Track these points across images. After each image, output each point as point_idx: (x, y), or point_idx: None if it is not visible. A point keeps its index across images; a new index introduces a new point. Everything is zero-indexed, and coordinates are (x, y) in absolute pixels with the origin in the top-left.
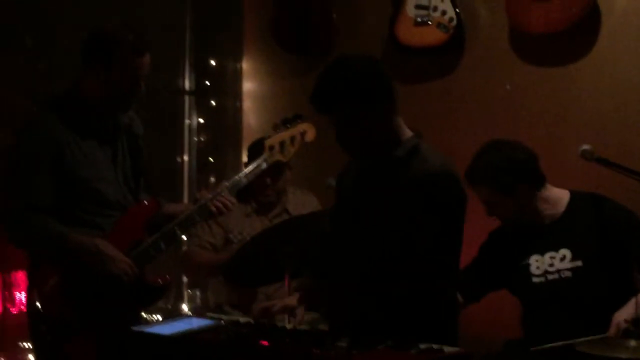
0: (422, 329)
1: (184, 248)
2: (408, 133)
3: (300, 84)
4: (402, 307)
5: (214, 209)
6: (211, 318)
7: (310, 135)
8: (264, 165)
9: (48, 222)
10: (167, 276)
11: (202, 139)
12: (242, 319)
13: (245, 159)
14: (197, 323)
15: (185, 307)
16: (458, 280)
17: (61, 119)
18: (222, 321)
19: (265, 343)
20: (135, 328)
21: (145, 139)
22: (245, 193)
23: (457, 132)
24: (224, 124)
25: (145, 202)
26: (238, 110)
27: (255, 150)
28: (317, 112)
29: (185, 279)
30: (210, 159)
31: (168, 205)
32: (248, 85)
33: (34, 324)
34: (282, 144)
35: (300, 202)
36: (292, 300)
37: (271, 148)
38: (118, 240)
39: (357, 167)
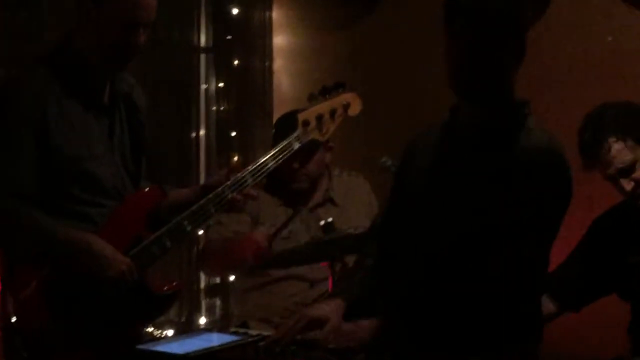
0: (500, 336)
1: (206, 238)
2: (517, 96)
3: (344, 39)
4: (485, 308)
5: (237, 203)
6: (235, 333)
7: (355, 108)
8: (297, 145)
9: (34, 213)
10: (175, 282)
11: (222, 108)
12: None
13: None
14: (217, 339)
15: (202, 320)
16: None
17: (48, 79)
18: (249, 337)
19: None
20: (141, 346)
21: (151, 110)
22: (273, 180)
23: (542, 97)
24: (250, 89)
25: (147, 189)
26: (267, 72)
27: (285, 126)
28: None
29: (202, 284)
30: (233, 134)
31: (175, 192)
32: (279, 40)
33: (7, 338)
34: (319, 118)
35: (349, 188)
36: (322, 310)
37: (306, 123)
38: (113, 236)
39: (441, 138)
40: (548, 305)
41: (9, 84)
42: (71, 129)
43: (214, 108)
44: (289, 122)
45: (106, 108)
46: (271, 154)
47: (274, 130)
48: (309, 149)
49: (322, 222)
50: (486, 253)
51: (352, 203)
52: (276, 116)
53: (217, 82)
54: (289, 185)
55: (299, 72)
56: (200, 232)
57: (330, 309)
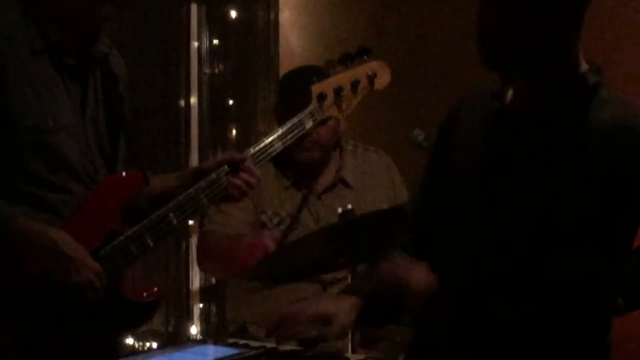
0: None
1: (205, 229)
2: (585, 65)
3: None
4: (552, 313)
5: (232, 189)
6: (234, 345)
7: (383, 79)
8: (310, 124)
9: None
10: (157, 287)
11: (217, 70)
12: (281, 345)
13: None
14: (212, 353)
15: (194, 329)
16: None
17: (9, 27)
18: (251, 349)
19: None
20: None
21: (131, 74)
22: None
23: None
24: (250, 48)
25: (125, 173)
26: (271, 26)
27: (292, 89)
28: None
29: (194, 286)
30: (231, 101)
31: (160, 178)
32: None
33: None
34: (338, 91)
35: (365, 167)
36: (333, 305)
37: (322, 97)
38: (82, 230)
39: (489, 107)
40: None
41: None
42: (33, 91)
43: (207, 70)
44: (297, 85)
45: (79, 70)
46: (278, 133)
47: (279, 94)
48: None
49: (340, 210)
50: (547, 260)
51: (369, 185)
52: None
53: (211, 39)
54: (295, 155)
55: (311, 27)
56: (190, 222)
57: (340, 307)
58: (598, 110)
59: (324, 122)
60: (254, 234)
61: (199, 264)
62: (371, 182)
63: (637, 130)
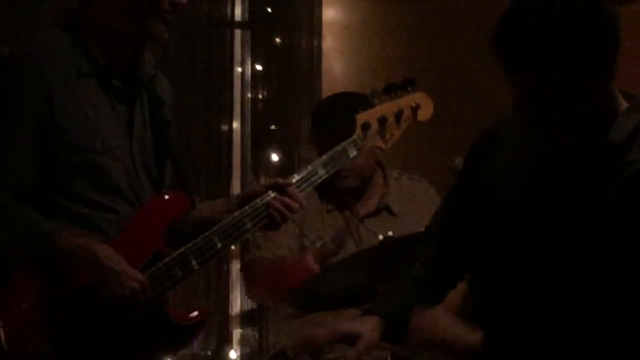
0: None
1: (251, 256)
2: (623, 103)
3: (412, 12)
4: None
5: (275, 214)
6: None
7: (426, 111)
8: (353, 153)
9: (30, 212)
10: (200, 311)
11: (260, 96)
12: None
13: None
14: None
15: (233, 354)
16: None
17: (57, 52)
18: None
19: None
20: None
21: (175, 101)
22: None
23: None
24: (294, 73)
25: (170, 195)
26: (315, 52)
27: (334, 115)
28: (508, 68)
29: (234, 310)
30: (273, 127)
31: (206, 204)
32: (330, 14)
33: None
34: (382, 121)
35: (410, 195)
36: (355, 325)
37: (366, 127)
38: (127, 249)
39: (528, 140)
40: None
41: (12, 57)
42: (81, 113)
43: (250, 95)
44: (341, 111)
45: (126, 92)
46: (322, 160)
47: (315, 119)
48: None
49: (381, 237)
50: (571, 293)
51: (413, 213)
52: None
53: (254, 64)
54: (333, 183)
55: (353, 54)
56: (232, 247)
57: (365, 327)
58: (636, 153)
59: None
60: (296, 255)
61: (247, 291)
62: (415, 211)
63: None
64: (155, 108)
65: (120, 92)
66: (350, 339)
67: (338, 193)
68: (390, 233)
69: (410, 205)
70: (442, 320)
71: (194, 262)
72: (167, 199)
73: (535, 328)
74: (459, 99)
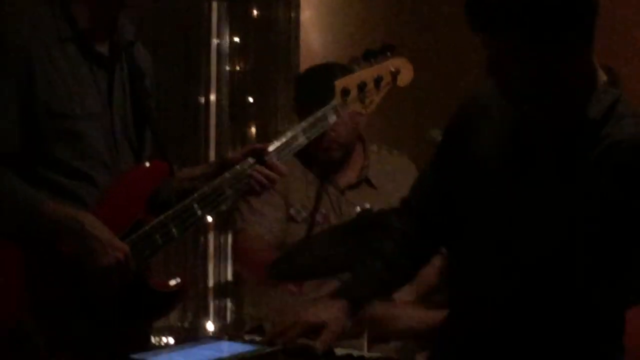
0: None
1: (238, 227)
2: (602, 76)
3: None
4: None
5: (255, 182)
6: (250, 342)
7: (406, 76)
8: (333, 118)
9: (15, 178)
10: (180, 279)
11: (237, 68)
12: (301, 342)
13: None
14: (228, 349)
15: (210, 326)
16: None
17: (36, 19)
18: (267, 347)
19: None
20: (135, 356)
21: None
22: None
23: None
24: (271, 46)
25: (150, 164)
26: (292, 25)
27: (315, 85)
28: (471, 26)
29: (211, 282)
30: (250, 99)
31: (185, 171)
32: None
33: None
34: (362, 87)
35: (389, 169)
36: (319, 316)
37: (345, 92)
38: (108, 218)
39: (506, 111)
40: None
41: None
42: (61, 78)
43: (228, 68)
44: (322, 81)
45: (105, 59)
46: (302, 127)
47: (295, 91)
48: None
49: (358, 209)
50: (547, 264)
51: (392, 187)
52: None
53: (232, 37)
54: (315, 156)
55: (331, 25)
56: (209, 219)
57: (330, 314)
58: (619, 130)
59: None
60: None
61: (238, 263)
62: (394, 184)
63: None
64: (135, 77)
65: (100, 58)
66: (316, 330)
67: (319, 164)
68: (367, 205)
69: (389, 178)
70: (402, 311)
71: (174, 230)
72: (147, 168)
73: (514, 298)
74: (435, 70)
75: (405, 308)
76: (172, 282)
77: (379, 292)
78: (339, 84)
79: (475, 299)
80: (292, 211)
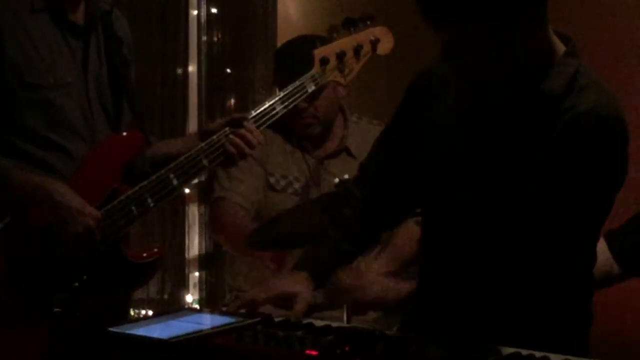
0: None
1: (216, 195)
2: (560, 48)
3: None
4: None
5: (231, 148)
6: (230, 314)
7: (386, 45)
8: (312, 87)
9: None
10: (156, 248)
11: (215, 39)
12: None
13: None
14: (207, 321)
15: (190, 298)
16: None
17: None
18: (247, 319)
19: (313, 353)
20: (114, 329)
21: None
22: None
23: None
24: (249, 17)
25: (126, 133)
26: None
27: (294, 56)
28: (424, 19)
29: (190, 254)
30: (228, 70)
31: (160, 143)
32: None
33: None
34: (340, 56)
35: (369, 138)
36: (293, 284)
37: (324, 61)
38: (83, 188)
39: (466, 90)
40: (612, 267)
41: None
42: (33, 48)
43: (205, 39)
44: (301, 52)
45: (80, 29)
46: (280, 96)
47: (275, 62)
48: None
49: (337, 180)
50: (513, 234)
51: None
52: None
53: (209, 7)
54: (296, 131)
55: None
56: (187, 190)
57: (298, 285)
58: (579, 102)
59: (322, 88)
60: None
61: (213, 232)
62: None
63: (615, 122)
64: (112, 46)
65: (74, 28)
66: (287, 299)
67: (299, 137)
68: (346, 176)
69: (369, 148)
70: (372, 281)
71: (149, 200)
72: (122, 137)
73: (480, 269)
74: (414, 41)
75: (375, 278)
76: (148, 252)
77: (340, 261)
78: (318, 52)
79: (442, 270)
80: (271, 180)
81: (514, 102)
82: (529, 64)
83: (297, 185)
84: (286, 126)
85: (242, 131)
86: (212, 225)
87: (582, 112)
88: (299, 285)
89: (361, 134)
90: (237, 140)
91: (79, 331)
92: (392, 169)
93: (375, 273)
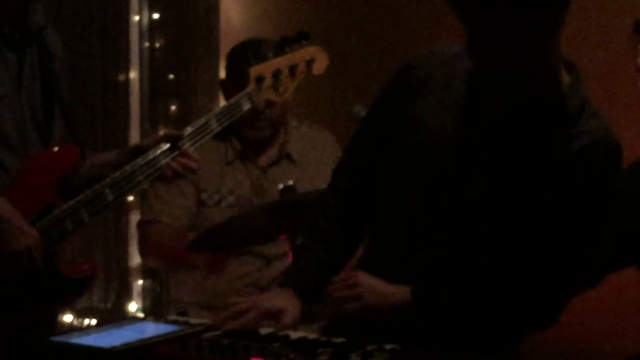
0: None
1: (141, 217)
2: (565, 73)
3: None
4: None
5: (168, 172)
6: (174, 322)
7: (321, 65)
8: (247, 105)
9: None
10: (89, 263)
11: (157, 44)
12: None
13: (223, 74)
14: (151, 330)
15: (133, 306)
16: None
17: None
18: (191, 327)
19: None
20: (56, 338)
21: (69, 48)
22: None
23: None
24: (191, 22)
25: (59, 148)
26: (212, 1)
27: (239, 64)
28: (455, 7)
29: (133, 262)
30: (171, 76)
31: (98, 157)
32: None
33: None
34: (276, 75)
35: (310, 143)
36: (278, 301)
37: (259, 80)
38: (17, 202)
39: (471, 79)
40: None
41: None
42: None
43: (148, 45)
44: (246, 60)
45: (15, 42)
46: (216, 113)
47: (227, 66)
48: None
49: (281, 186)
50: (505, 240)
51: (314, 161)
52: (223, 55)
53: (151, 13)
54: (247, 133)
55: (253, 2)
56: (131, 198)
57: (286, 300)
58: (587, 127)
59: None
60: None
61: (141, 255)
62: (315, 159)
63: (616, 149)
64: (46, 61)
65: (9, 41)
66: (274, 316)
67: (245, 142)
68: (290, 182)
69: (310, 153)
70: (370, 286)
71: (85, 215)
72: (56, 152)
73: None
74: (357, 47)
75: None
76: (81, 267)
77: (324, 273)
78: (254, 71)
79: (408, 273)
80: (203, 196)
81: (526, 110)
82: (546, 73)
83: (231, 199)
84: (233, 130)
85: (183, 158)
86: (140, 249)
87: (599, 139)
88: (286, 301)
89: (302, 139)
90: (174, 164)
91: (9, 345)
92: (367, 179)
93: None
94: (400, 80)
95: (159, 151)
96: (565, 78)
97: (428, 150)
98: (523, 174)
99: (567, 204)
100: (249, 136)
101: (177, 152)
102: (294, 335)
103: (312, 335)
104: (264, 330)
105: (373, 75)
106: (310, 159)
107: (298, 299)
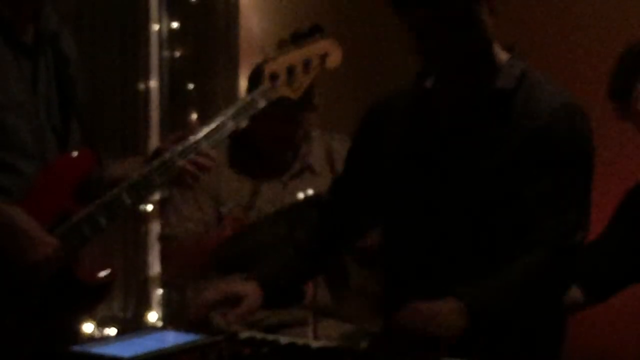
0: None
1: (161, 230)
2: (503, 53)
3: None
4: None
5: (185, 174)
6: (193, 332)
7: (335, 58)
8: (262, 103)
9: None
10: (109, 271)
11: (177, 54)
12: (242, 333)
13: (243, 83)
14: (171, 339)
15: (153, 316)
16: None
17: None
18: (211, 337)
19: None
20: (77, 348)
21: (89, 57)
22: (241, 145)
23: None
24: (211, 32)
25: (77, 153)
26: (232, 10)
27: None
28: (398, 5)
29: (153, 271)
30: (191, 85)
31: (114, 163)
32: None
33: None
34: (290, 70)
35: (332, 153)
36: (241, 286)
37: (274, 77)
38: (35, 210)
39: (419, 101)
40: (574, 293)
41: None
42: None
43: (167, 54)
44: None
45: (29, 48)
46: (230, 112)
47: (249, 84)
48: (296, 107)
49: (302, 195)
50: (485, 243)
51: (335, 171)
52: (243, 64)
53: (171, 22)
54: (262, 154)
55: (271, 9)
56: (150, 207)
57: (250, 289)
58: (530, 98)
59: (291, 104)
60: (213, 231)
61: (165, 271)
62: (337, 168)
63: (570, 112)
64: (61, 66)
65: (24, 48)
66: (235, 299)
67: (262, 165)
68: (310, 192)
69: (332, 162)
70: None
71: (103, 221)
72: (73, 157)
73: (445, 276)
74: (376, 54)
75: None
76: (100, 274)
77: (292, 277)
78: (267, 68)
79: (406, 286)
80: (223, 210)
81: (470, 102)
82: (482, 62)
83: (252, 214)
84: (248, 159)
85: (198, 157)
86: (162, 265)
87: (539, 108)
88: (247, 289)
89: (323, 149)
90: (192, 168)
91: (30, 354)
92: (349, 202)
93: None
94: (364, 125)
95: (174, 153)
96: (503, 56)
97: (403, 175)
98: (488, 164)
99: (547, 171)
100: (271, 158)
101: (193, 153)
102: (315, 344)
103: (332, 344)
104: (284, 340)
105: (393, 84)
106: (332, 170)
107: (260, 291)
